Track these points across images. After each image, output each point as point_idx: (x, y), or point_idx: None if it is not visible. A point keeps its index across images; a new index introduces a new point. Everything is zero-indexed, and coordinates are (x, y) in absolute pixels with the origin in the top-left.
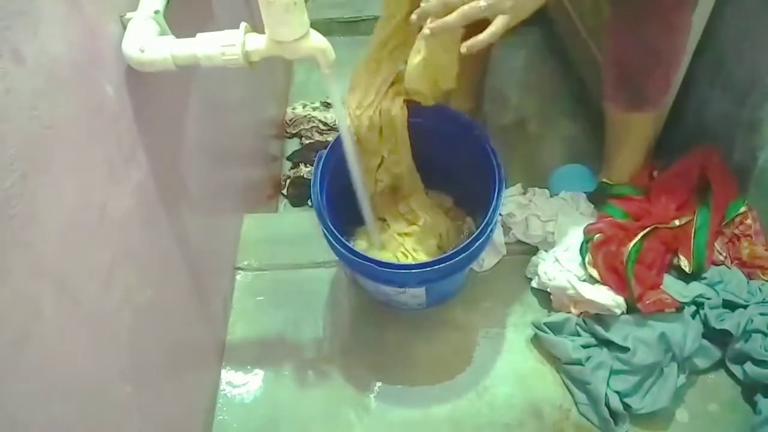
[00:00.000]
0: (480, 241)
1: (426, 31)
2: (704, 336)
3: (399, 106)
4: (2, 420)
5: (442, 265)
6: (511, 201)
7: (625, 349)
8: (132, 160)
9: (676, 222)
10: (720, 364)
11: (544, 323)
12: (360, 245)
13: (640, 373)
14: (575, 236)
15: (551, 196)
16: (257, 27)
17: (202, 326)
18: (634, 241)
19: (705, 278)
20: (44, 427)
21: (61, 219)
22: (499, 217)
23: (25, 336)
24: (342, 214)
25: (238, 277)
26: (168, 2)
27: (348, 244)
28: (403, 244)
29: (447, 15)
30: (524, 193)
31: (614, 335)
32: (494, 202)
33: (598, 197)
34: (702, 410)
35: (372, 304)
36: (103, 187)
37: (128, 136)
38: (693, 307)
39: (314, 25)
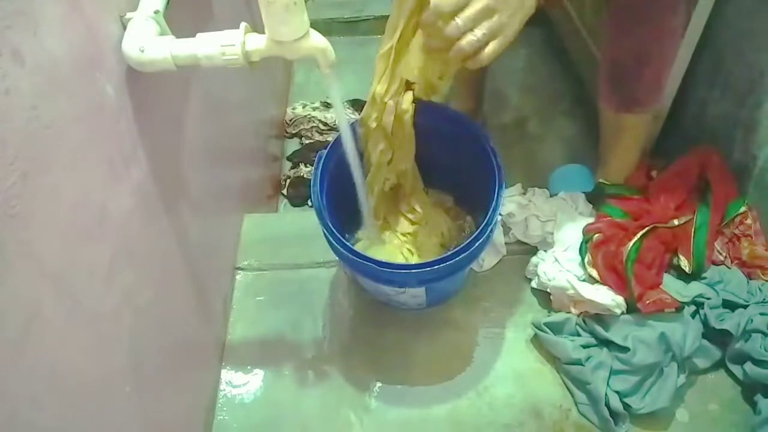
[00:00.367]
0: (480, 241)
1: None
2: (704, 336)
3: (409, 100)
4: (2, 420)
5: (442, 265)
6: (511, 201)
7: (625, 349)
8: (132, 160)
9: (676, 221)
10: (720, 364)
11: (544, 323)
12: (360, 245)
13: (640, 373)
14: (574, 236)
15: (551, 196)
16: (257, 27)
17: (202, 326)
18: (633, 241)
19: (705, 278)
20: (44, 427)
21: (61, 219)
22: (499, 217)
23: (25, 336)
24: (342, 214)
25: (238, 277)
26: (168, 2)
27: (348, 244)
28: (407, 243)
29: (443, 26)
30: (524, 193)
31: (614, 335)
32: (494, 203)
33: (596, 197)
34: (702, 410)
35: (372, 304)
36: (103, 187)
37: (128, 136)
38: (693, 307)
39: (314, 25)
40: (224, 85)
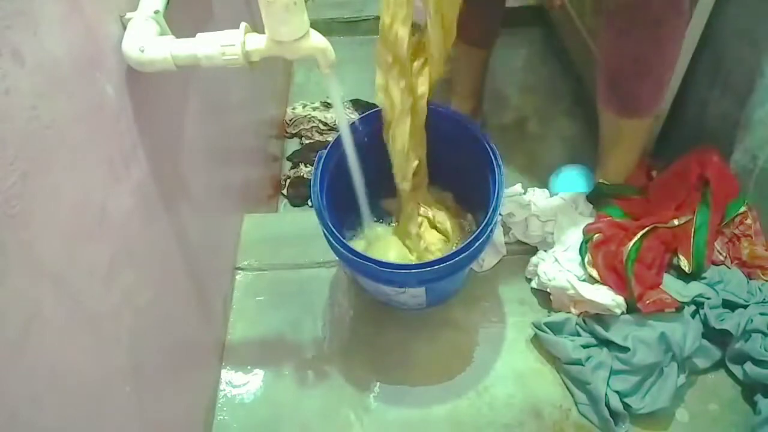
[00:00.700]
0: (480, 241)
1: None
2: (704, 336)
3: (426, 85)
4: (2, 420)
5: (442, 265)
6: (511, 201)
7: (625, 349)
8: (132, 160)
9: (676, 221)
10: (720, 364)
11: (544, 323)
12: (360, 245)
13: (640, 373)
14: (574, 236)
15: (551, 196)
16: (257, 27)
17: (202, 326)
18: (633, 241)
19: (705, 278)
20: (44, 427)
21: (61, 219)
22: (499, 217)
23: (25, 336)
24: (342, 214)
25: (238, 277)
26: (168, 2)
27: (348, 244)
28: (414, 241)
29: None
30: (524, 193)
31: (614, 335)
32: (494, 203)
33: (596, 197)
34: (702, 410)
35: (372, 304)
36: (103, 187)
37: (128, 136)
38: (693, 307)
39: (314, 25)
40: (224, 85)
